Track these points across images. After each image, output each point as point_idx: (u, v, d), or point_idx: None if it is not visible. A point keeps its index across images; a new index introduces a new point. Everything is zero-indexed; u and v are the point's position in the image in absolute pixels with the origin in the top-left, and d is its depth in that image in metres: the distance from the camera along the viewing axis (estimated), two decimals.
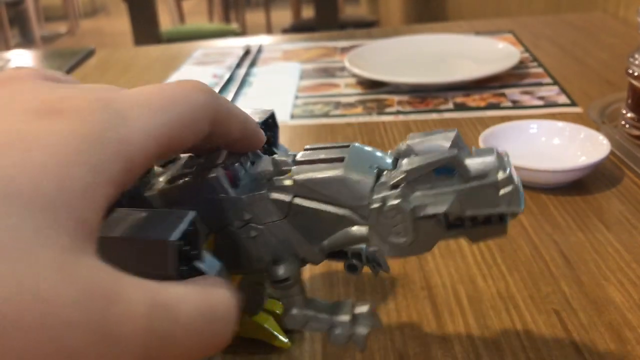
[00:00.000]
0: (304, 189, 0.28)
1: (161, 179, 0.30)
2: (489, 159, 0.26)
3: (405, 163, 0.26)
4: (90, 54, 1.16)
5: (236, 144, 0.29)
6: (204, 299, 0.22)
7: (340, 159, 0.28)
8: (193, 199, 0.29)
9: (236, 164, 0.29)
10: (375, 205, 0.26)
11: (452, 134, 0.27)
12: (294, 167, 0.29)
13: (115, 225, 0.24)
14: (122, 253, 0.24)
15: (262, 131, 0.30)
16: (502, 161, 0.26)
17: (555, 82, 0.81)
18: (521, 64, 0.88)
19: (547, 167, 0.52)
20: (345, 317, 0.29)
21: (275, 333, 0.37)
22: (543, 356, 0.36)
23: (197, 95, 0.25)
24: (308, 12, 3.92)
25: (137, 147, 0.21)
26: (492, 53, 0.90)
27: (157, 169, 0.31)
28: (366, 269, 0.30)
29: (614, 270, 0.43)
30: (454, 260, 0.45)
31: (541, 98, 0.76)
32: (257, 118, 0.33)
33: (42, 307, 0.16)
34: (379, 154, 0.29)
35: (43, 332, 0.16)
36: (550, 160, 0.56)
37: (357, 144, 0.29)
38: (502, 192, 0.25)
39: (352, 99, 0.81)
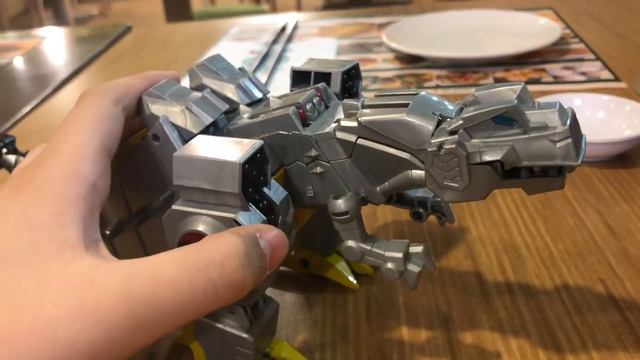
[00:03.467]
0: (368, 130, 0.29)
1: (245, 115, 0.32)
2: (550, 112, 0.26)
3: (465, 111, 0.27)
4: (126, 31, 1.18)
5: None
6: (192, 252, 0.24)
7: (406, 105, 0.28)
8: (268, 134, 0.31)
9: (309, 105, 0.31)
10: (432, 149, 0.27)
11: (518, 87, 0.27)
12: (362, 110, 0.30)
13: (194, 148, 0.27)
14: (200, 172, 0.26)
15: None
16: (563, 115, 0.26)
17: (598, 58, 0.79)
18: (562, 40, 0.87)
19: (592, 139, 0.51)
20: (398, 254, 0.30)
21: (345, 274, 0.40)
22: (588, 322, 0.36)
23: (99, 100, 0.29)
24: None
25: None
26: (533, 29, 0.89)
27: (242, 107, 0.33)
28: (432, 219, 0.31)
29: None
30: (497, 231, 0.45)
31: (583, 73, 0.75)
32: (340, 67, 0.35)
33: (29, 314, 0.21)
34: (444, 102, 0.29)
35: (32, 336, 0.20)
36: (595, 133, 0.55)
37: (424, 92, 0.30)
38: (559, 144, 0.25)
39: (390, 74, 0.81)
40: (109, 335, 0.21)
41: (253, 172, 0.27)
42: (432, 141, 0.27)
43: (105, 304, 0.21)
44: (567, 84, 0.72)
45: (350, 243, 0.31)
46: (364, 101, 0.30)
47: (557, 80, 0.73)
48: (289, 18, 1.15)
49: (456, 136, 0.26)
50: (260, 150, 0.27)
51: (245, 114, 0.33)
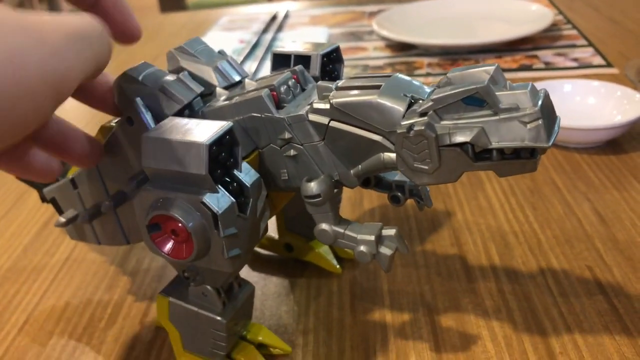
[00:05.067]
0: (340, 112, 0.29)
1: (221, 98, 0.32)
2: (521, 92, 0.25)
3: (437, 92, 0.26)
4: None
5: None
6: (68, 20, 0.23)
7: (378, 87, 0.28)
8: (241, 116, 0.31)
9: (283, 87, 0.31)
10: (402, 131, 0.27)
11: (491, 68, 0.26)
12: (334, 92, 0.29)
13: (163, 130, 0.27)
14: (167, 153, 0.27)
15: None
16: (535, 96, 0.25)
17: (590, 44, 0.78)
18: (554, 26, 0.86)
19: (582, 125, 0.50)
20: (371, 237, 0.30)
21: (328, 258, 0.40)
22: (575, 309, 0.35)
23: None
24: None
25: None
26: (524, 15, 0.88)
27: (220, 90, 0.33)
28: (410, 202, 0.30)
29: None
30: (484, 218, 0.44)
31: (575, 59, 0.74)
32: (320, 50, 0.34)
33: None
34: (417, 84, 0.29)
35: None
36: (585, 119, 0.55)
37: (398, 74, 0.29)
38: (529, 126, 0.25)
39: (380, 62, 0.80)
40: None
41: (222, 153, 0.27)
42: (402, 123, 0.27)
43: None
44: (559, 70, 0.71)
45: (324, 226, 0.31)
46: (338, 83, 0.30)
47: (549, 66, 0.72)
48: (280, 7, 1.14)
49: (426, 118, 0.26)
50: (229, 132, 0.27)
51: (222, 97, 0.32)
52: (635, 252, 0.39)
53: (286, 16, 1.06)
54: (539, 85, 0.58)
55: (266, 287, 0.40)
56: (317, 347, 0.35)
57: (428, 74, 0.74)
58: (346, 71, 0.78)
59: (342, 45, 0.88)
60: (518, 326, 0.34)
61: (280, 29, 0.99)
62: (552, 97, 0.59)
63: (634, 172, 0.48)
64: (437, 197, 0.48)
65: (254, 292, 0.34)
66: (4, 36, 0.20)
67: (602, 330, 0.33)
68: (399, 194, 0.34)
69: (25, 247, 0.47)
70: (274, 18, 1.04)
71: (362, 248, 0.30)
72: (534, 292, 0.37)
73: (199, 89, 0.31)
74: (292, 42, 0.37)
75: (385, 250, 0.30)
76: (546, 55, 0.76)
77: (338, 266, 0.40)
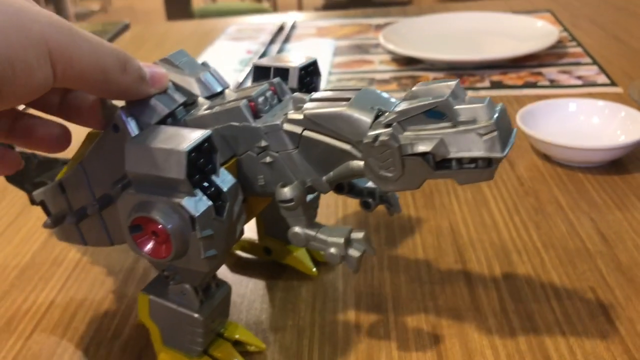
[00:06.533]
0: (312, 122, 0.31)
1: (203, 107, 0.34)
2: (479, 107, 0.27)
3: (401, 105, 0.29)
4: (124, 28, 1.18)
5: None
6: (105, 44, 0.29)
7: (349, 99, 0.30)
8: (221, 125, 0.33)
9: (261, 98, 0.33)
10: (368, 140, 0.29)
11: (453, 83, 0.28)
12: (307, 104, 0.31)
13: (146, 137, 0.29)
14: (149, 159, 0.29)
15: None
16: (491, 109, 0.27)
17: (595, 62, 0.79)
18: (559, 43, 0.87)
19: (586, 145, 0.51)
20: (340, 239, 0.32)
21: (305, 261, 0.42)
22: (578, 331, 0.35)
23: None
24: None
25: None
26: (530, 31, 0.88)
27: (202, 100, 0.34)
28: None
29: None
30: (488, 235, 0.45)
31: (579, 77, 0.74)
32: (297, 63, 0.36)
33: None
34: (385, 96, 0.31)
35: None
36: (589, 139, 0.55)
37: (369, 88, 0.31)
38: (485, 137, 0.27)
39: (386, 76, 0.80)
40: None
41: (200, 160, 0.29)
42: (369, 133, 0.29)
43: (36, 28, 0.26)
44: (564, 88, 0.71)
45: (296, 229, 0.33)
46: (312, 95, 0.32)
47: (554, 84, 0.73)
48: (287, 18, 1.15)
49: (390, 129, 0.28)
50: (207, 139, 0.29)
51: (203, 106, 0.34)
52: (637, 274, 0.40)
53: (293, 27, 1.07)
54: (544, 103, 0.58)
55: (246, 288, 0.42)
56: (291, 344, 0.36)
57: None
58: (352, 84, 0.78)
59: (349, 58, 0.88)
60: (521, 346, 0.35)
61: (287, 39, 1.00)
62: (557, 116, 0.59)
63: (637, 193, 0.49)
64: (441, 213, 0.48)
65: (231, 292, 0.36)
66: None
67: (604, 352, 0.34)
68: (370, 200, 0.37)
69: (34, 254, 0.48)
70: (281, 29, 1.05)
71: (332, 250, 0.32)
72: (536, 311, 0.37)
73: (181, 98, 0.33)
74: (270, 56, 0.39)
75: (354, 253, 0.32)
76: (551, 72, 0.77)
77: (314, 269, 0.42)
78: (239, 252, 0.46)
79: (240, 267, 0.44)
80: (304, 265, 0.42)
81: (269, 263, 0.44)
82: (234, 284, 0.42)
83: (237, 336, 0.36)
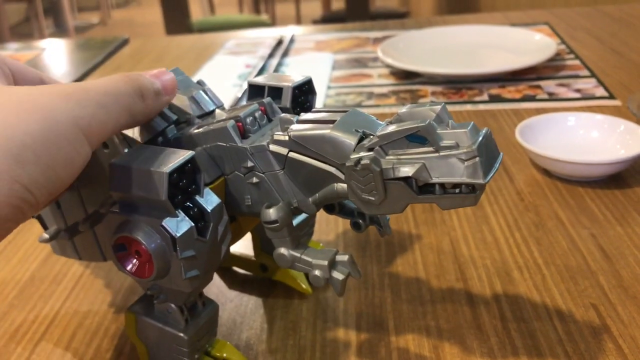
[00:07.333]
0: (297, 144, 0.31)
1: (194, 126, 0.34)
2: (461, 132, 0.27)
3: (383, 128, 0.28)
4: (124, 43, 1.18)
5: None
6: (98, 82, 0.29)
7: (334, 121, 0.30)
8: (209, 144, 0.33)
9: (249, 118, 0.33)
10: (350, 164, 0.28)
11: (438, 107, 0.28)
12: (294, 125, 0.31)
13: (130, 157, 0.30)
14: (131, 179, 0.29)
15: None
16: (474, 134, 0.27)
17: (593, 75, 0.79)
18: (557, 56, 0.87)
19: (585, 159, 0.51)
20: (324, 262, 0.31)
21: (299, 280, 0.42)
22: (580, 349, 0.35)
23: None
24: (338, 4, 3.90)
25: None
26: (528, 44, 0.89)
27: (193, 118, 0.35)
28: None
29: None
30: (489, 252, 0.45)
31: (578, 90, 0.75)
32: (292, 82, 0.36)
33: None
34: (371, 119, 0.31)
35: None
36: (588, 153, 0.55)
37: (356, 110, 0.31)
38: (467, 163, 0.26)
39: (385, 90, 0.80)
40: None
41: (183, 180, 0.29)
42: (351, 157, 0.28)
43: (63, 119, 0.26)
44: (562, 102, 0.72)
45: (282, 250, 0.33)
46: (300, 116, 0.32)
47: (552, 97, 0.73)
48: (286, 32, 1.15)
49: (372, 153, 0.28)
50: (190, 160, 0.29)
51: (195, 125, 0.34)
52: (639, 290, 0.40)
53: (292, 41, 1.08)
54: (543, 117, 0.58)
55: (245, 307, 0.42)
56: None
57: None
58: (351, 98, 0.78)
59: (347, 72, 0.89)
60: None
61: (285, 53, 1.00)
62: (556, 130, 0.59)
63: (638, 208, 0.49)
64: (442, 229, 0.48)
65: (218, 311, 0.35)
66: (34, 99, 0.26)
67: None
68: (360, 220, 0.36)
69: (33, 272, 0.48)
70: (279, 43, 1.06)
71: (317, 272, 0.32)
72: (538, 329, 0.37)
73: (171, 117, 0.34)
74: (266, 75, 0.39)
75: (338, 275, 0.32)
76: (549, 85, 0.77)
77: (310, 288, 0.42)
78: (236, 269, 0.45)
79: (238, 284, 0.44)
80: (298, 283, 0.42)
81: (267, 281, 0.44)
82: (233, 302, 0.42)
83: (225, 355, 0.36)
